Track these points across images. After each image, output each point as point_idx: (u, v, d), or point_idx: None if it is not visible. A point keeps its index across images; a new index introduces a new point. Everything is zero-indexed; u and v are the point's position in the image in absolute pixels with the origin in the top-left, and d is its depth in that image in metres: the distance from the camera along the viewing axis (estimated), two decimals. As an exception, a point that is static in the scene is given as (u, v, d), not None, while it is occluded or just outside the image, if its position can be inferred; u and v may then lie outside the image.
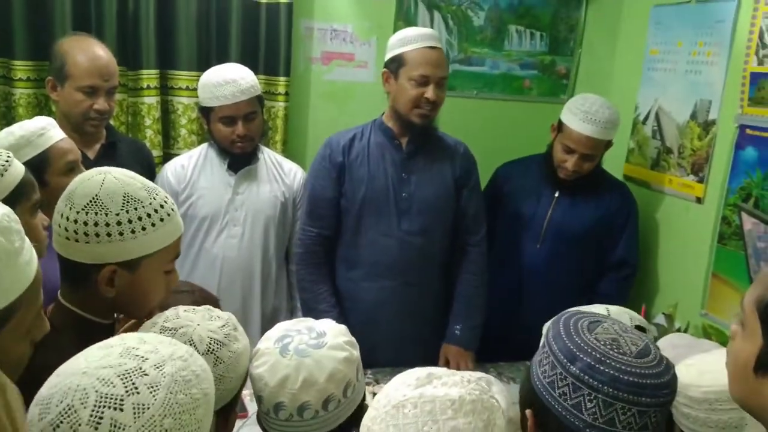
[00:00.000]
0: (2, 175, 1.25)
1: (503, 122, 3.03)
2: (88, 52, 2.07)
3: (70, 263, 1.18)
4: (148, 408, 0.75)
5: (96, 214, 1.14)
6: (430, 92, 2.17)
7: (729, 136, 2.28)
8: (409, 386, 0.99)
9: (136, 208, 1.17)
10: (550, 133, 2.51)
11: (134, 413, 0.75)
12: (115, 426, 0.74)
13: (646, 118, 2.74)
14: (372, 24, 2.85)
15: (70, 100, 2.06)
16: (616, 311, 1.32)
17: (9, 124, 2.36)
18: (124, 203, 1.16)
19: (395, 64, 2.22)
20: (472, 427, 0.93)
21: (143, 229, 1.17)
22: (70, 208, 1.15)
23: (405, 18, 2.85)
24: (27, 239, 0.92)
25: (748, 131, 2.20)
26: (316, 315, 1.90)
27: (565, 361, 0.96)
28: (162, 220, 1.20)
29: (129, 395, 0.75)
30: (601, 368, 0.93)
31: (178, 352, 0.84)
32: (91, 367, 0.78)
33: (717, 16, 2.36)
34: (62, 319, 1.17)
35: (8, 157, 1.29)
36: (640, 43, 2.80)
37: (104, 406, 0.74)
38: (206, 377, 0.85)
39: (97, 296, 1.19)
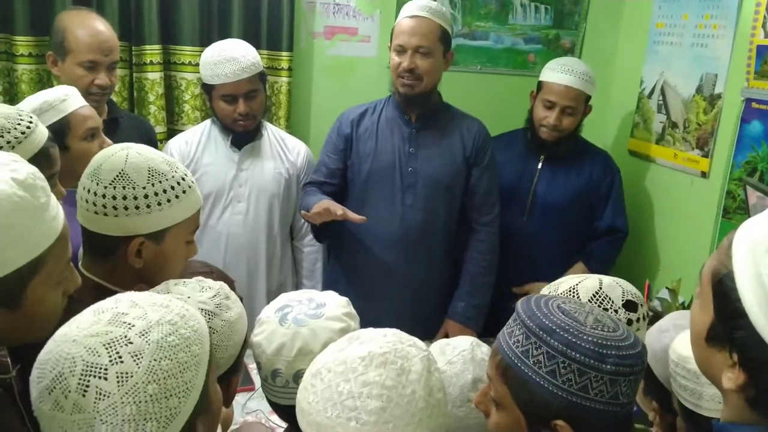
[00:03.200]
0: (26, 135, 1.29)
1: (507, 97, 3.00)
2: (89, 27, 2.06)
3: (97, 236, 1.22)
4: (132, 376, 0.78)
5: (124, 188, 1.20)
6: (405, 61, 2.18)
7: (735, 109, 2.26)
8: (330, 353, 1.02)
9: (160, 181, 1.23)
10: (530, 100, 2.56)
11: (118, 381, 0.78)
12: (100, 393, 0.77)
13: (652, 92, 2.72)
14: (375, -2, 2.82)
15: (71, 75, 2.05)
16: (609, 283, 1.32)
17: (11, 99, 2.37)
18: (149, 177, 1.22)
19: (390, 38, 2.26)
20: (384, 378, 0.95)
21: (168, 201, 1.23)
22: (97, 184, 1.21)
23: (408, -8, 2.82)
24: (53, 196, 0.97)
25: (754, 105, 2.18)
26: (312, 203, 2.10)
27: (595, 363, 0.95)
28: (184, 192, 1.26)
29: (113, 364, 0.78)
30: (630, 352, 0.97)
31: (167, 315, 0.85)
32: (81, 335, 0.81)
33: (724, -12, 2.33)
34: (84, 290, 1.20)
35: (31, 119, 1.33)
36: (645, 17, 2.77)
37: (90, 375, 0.78)
38: (197, 338, 0.87)
39: (122, 267, 1.25)
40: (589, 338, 0.96)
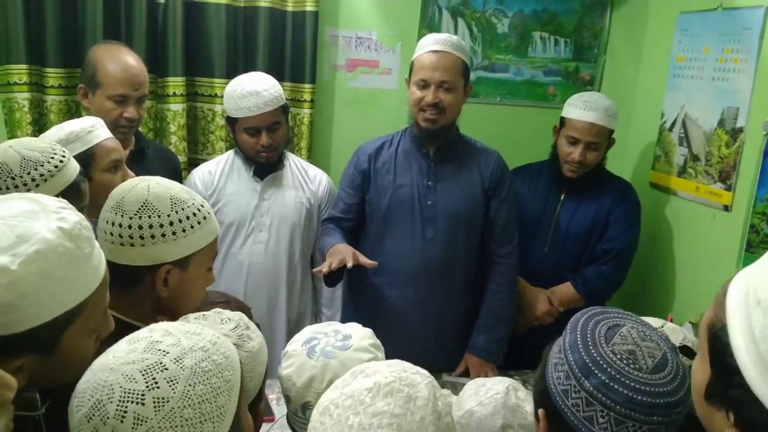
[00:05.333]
0: (59, 169, 1.33)
1: (527, 129, 3.02)
2: (120, 62, 2.11)
3: (121, 268, 1.23)
4: (168, 401, 0.80)
5: (149, 217, 1.22)
6: (429, 95, 2.18)
7: (757, 143, 2.26)
8: (335, 389, 1.01)
9: (183, 209, 1.26)
10: (553, 135, 2.57)
11: (155, 406, 0.80)
12: (138, 419, 0.79)
13: (673, 125, 2.72)
14: (396, 31, 2.86)
15: (100, 108, 2.10)
16: (674, 327, 1.30)
17: (40, 129, 2.43)
18: (172, 205, 1.25)
19: (409, 71, 2.28)
20: (392, 407, 0.94)
21: (192, 227, 1.26)
22: (122, 215, 1.22)
23: (429, 25, 2.87)
24: (97, 244, 0.99)
25: (777, 139, 2.18)
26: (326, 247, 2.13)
27: (579, 375, 0.96)
28: (205, 218, 1.29)
29: (150, 390, 0.80)
30: (615, 387, 0.93)
31: (199, 342, 0.88)
32: (117, 363, 0.83)
33: (744, 23, 2.34)
34: None
35: (64, 154, 1.37)
36: (665, 50, 2.79)
37: (128, 401, 0.79)
38: (228, 365, 0.89)
39: (144, 299, 1.26)
40: (593, 354, 0.97)
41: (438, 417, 0.98)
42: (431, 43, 2.22)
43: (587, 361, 0.96)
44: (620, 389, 0.93)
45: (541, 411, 1.01)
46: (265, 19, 2.65)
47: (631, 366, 0.95)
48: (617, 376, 0.94)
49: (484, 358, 2.32)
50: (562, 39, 3.04)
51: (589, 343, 0.98)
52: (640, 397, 0.92)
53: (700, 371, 0.86)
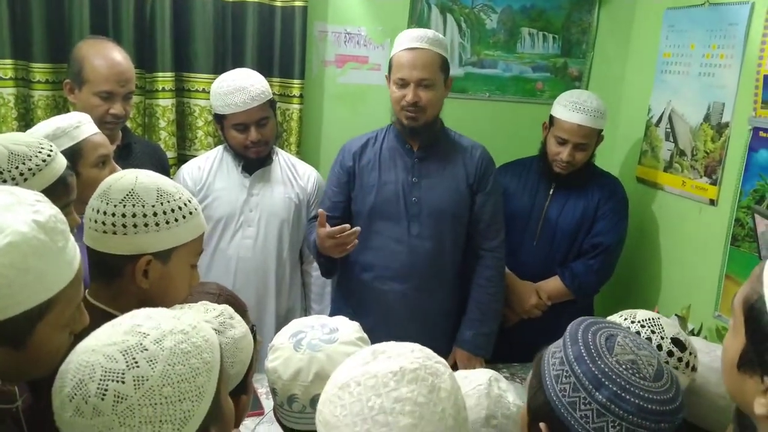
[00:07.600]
0: (47, 163, 1.32)
1: (516, 124, 3.04)
2: (106, 58, 2.09)
3: (104, 257, 1.23)
4: (147, 379, 0.82)
5: (133, 206, 1.22)
6: (408, 95, 2.17)
7: (742, 138, 2.28)
8: (356, 365, 1.00)
9: (168, 201, 1.25)
10: (542, 131, 2.58)
11: (135, 384, 0.82)
12: (118, 396, 0.81)
13: (659, 120, 2.74)
14: (385, 27, 2.86)
15: (87, 104, 2.08)
16: (669, 321, 1.34)
17: (27, 125, 2.41)
18: (158, 196, 1.24)
19: (389, 68, 2.27)
20: (416, 395, 0.94)
21: (176, 220, 1.25)
22: (107, 203, 1.23)
23: (418, 21, 2.87)
24: (72, 238, 0.98)
25: (762, 134, 2.20)
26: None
27: (590, 387, 0.97)
28: (191, 213, 1.29)
29: (130, 369, 0.82)
30: (627, 397, 0.95)
31: (179, 326, 0.90)
32: (99, 345, 0.85)
33: (730, 18, 2.36)
34: (91, 318, 1.20)
35: (51, 148, 1.35)
36: (652, 46, 2.81)
37: (108, 380, 0.81)
38: (208, 347, 0.91)
39: (128, 290, 1.26)
40: (600, 365, 0.98)
41: (458, 411, 0.99)
42: (407, 41, 2.20)
43: (596, 372, 0.97)
44: (632, 399, 0.95)
45: (542, 425, 1.02)
46: (253, 14, 2.65)
47: (637, 375, 0.97)
48: (627, 386, 0.96)
49: (471, 352, 2.33)
50: (551, 35, 3.05)
51: (594, 355, 0.99)
52: (650, 406, 0.95)
53: (732, 344, 0.92)
